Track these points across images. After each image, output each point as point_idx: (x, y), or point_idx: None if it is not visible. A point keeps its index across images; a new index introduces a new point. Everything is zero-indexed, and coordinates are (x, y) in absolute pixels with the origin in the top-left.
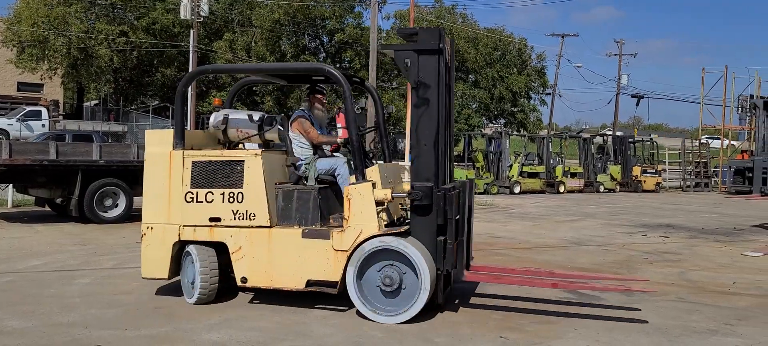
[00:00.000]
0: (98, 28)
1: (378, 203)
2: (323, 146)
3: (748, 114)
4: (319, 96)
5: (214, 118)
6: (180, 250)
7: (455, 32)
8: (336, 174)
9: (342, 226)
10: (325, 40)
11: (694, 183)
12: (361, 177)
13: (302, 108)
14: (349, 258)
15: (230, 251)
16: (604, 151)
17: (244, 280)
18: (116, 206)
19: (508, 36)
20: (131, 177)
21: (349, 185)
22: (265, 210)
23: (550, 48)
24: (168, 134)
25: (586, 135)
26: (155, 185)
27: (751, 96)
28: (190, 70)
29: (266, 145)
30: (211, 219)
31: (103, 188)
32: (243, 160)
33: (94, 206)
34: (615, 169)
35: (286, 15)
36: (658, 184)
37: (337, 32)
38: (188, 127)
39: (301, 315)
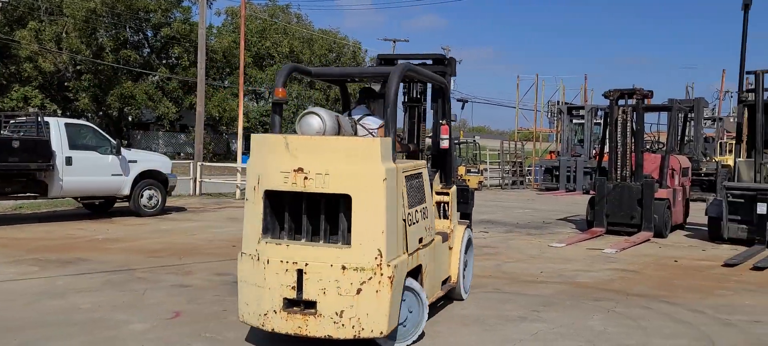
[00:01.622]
0: None
1: None
2: None
3: (556, 118)
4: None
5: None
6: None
7: (290, 32)
8: None
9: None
10: (149, 35)
11: (511, 181)
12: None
13: (368, 112)
14: None
15: (423, 271)
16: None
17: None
18: None
19: (343, 38)
20: None
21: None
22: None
23: (383, 52)
24: (372, 144)
25: None
26: (380, 211)
27: (558, 102)
28: None
29: None
30: (420, 240)
31: None
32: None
33: None
34: None
35: (104, 5)
36: (480, 182)
37: (164, 26)
38: None
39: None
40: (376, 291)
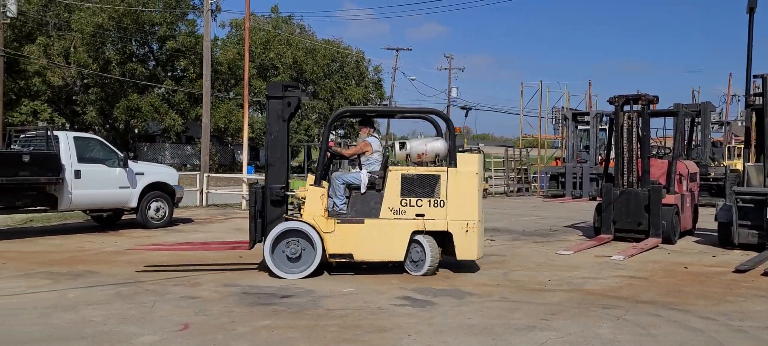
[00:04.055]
0: None
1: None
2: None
3: (561, 124)
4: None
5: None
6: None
7: (293, 43)
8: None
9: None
10: (154, 48)
11: (516, 189)
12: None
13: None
14: None
15: None
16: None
17: None
18: None
19: (346, 48)
20: None
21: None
22: None
23: (386, 61)
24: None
25: None
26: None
27: (563, 108)
28: None
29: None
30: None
31: None
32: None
33: None
34: None
35: (111, 19)
36: (485, 190)
37: (169, 39)
38: None
39: None
40: None
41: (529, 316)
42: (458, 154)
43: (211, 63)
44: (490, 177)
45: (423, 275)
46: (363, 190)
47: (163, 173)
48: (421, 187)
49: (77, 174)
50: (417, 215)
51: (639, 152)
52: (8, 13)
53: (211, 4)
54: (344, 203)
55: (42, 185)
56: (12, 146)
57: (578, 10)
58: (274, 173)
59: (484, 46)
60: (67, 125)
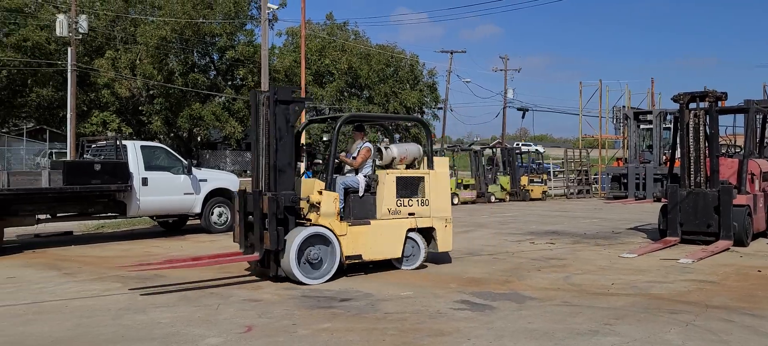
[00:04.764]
0: None
1: None
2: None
3: (622, 124)
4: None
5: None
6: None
7: (348, 49)
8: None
9: None
10: (215, 58)
11: (576, 190)
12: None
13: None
14: None
15: None
16: (494, 163)
17: None
18: None
19: (400, 52)
20: (1, 207)
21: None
22: None
23: (440, 64)
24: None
25: (477, 147)
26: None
27: (623, 107)
28: (68, 89)
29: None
30: None
31: None
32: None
33: None
34: (504, 180)
35: (174, 32)
36: (544, 192)
37: (229, 49)
38: (68, 152)
39: None
40: None
41: (592, 320)
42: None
43: (269, 71)
44: (550, 179)
45: (416, 268)
46: (361, 193)
47: (225, 179)
48: (411, 188)
49: (144, 182)
50: (409, 214)
51: (706, 151)
52: (80, 30)
53: (268, 13)
54: (342, 207)
55: (112, 192)
56: (84, 156)
57: (638, 6)
58: (286, 178)
59: (540, 46)
60: (134, 135)
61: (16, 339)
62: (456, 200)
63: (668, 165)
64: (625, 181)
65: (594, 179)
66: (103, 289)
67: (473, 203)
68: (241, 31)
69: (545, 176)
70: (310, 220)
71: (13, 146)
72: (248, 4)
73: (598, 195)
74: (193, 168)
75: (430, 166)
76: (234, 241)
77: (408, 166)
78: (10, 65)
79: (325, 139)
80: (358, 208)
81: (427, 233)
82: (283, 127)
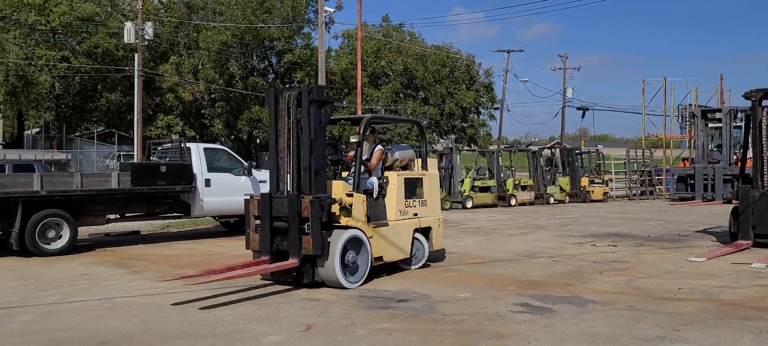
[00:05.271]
0: (38, 54)
1: None
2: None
3: (688, 123)
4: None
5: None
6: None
7: (404, 50)
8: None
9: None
10: (274, 62)
11: (639, 192)
12: None
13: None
14: None
15: None
16: (553, 164)
17: None
18: (59, 237)
19: (456, 53)
20: (75, 207)
21: None
22: None
23: (497, 63)
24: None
25: (535, 148)
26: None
27: (690, 105)
28: (135, 94)
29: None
30: None
31: (45, 219)
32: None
33: (36, 239)
34: (564, 181)
35: (234, 37)
36: (605, 193)
37: (287, 53)
38: (135, 154)
39: None
40: None
41: (658, 326)
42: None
43: (326, 73)
44: (611, 180)
45: (420, 268)
46: (375, 195)
47: None
48: (415, 189)
49: (207, 183)
50: (414, 215)
51: None
52: (146, 36)
53: (325, 17)
54: None
55: (177, 193)
56: (151, 158)
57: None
58: (321, 181)
59: (600, 44)
60: (197, 137)
61: (92, 333)
62: (513, 202)
63: (739, 165)
64: (692, 182)
65: (658, 180)
66: (168, 287)
67: (531, 204)
68: (299, 35)
69: (606, 177)
70: (340, 222)
71: (84, 149)
72: (306, 7)
73: (663, 196)
74: (253, 169)
75: (425, 167)
76: (247, 248)
77: (404, 168)
78: (82, 72)
79: (353, 139)
80: (373, 210)
81: (426, 233)
82: (318, 127)
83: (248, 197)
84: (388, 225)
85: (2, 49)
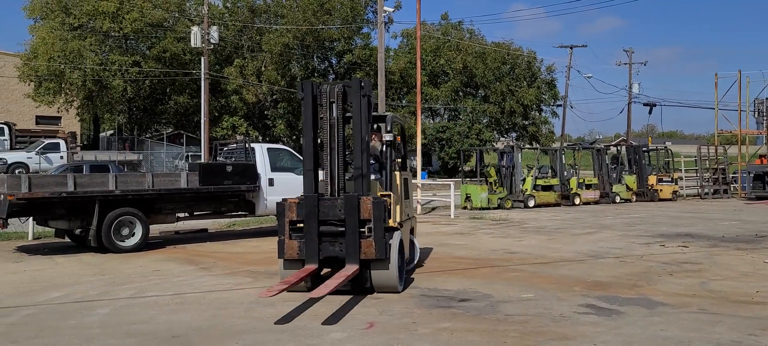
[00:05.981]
0: (112, 60)
1: None
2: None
3: (765, 117)
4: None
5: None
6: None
7: (463, 48)
8: None
9: None
10: (334, 62)
11: (712, 190)
12: None
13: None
14: None
15: None
16: (619, 161)
17: None
18: (133, 235)
19: (516, 49)
20: (147, 206)
21: None
22: None
23: (559, 59)
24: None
25: (599, 145)
26: None
27: (766, 99)
28: (202, 96)
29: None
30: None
31: (119, 217)
32: None
33: (112, 236)
34: (630, 179)
35: (295, 39)
36: (674, 192)
37: (346, 53)
38: (202, 155)
39: None
40: None
41: (734, 330)
42: None
43: (385, 73)
44: (681, 178)
45: (413, 267)
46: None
47: None
48: (408, 190)
49: (271, 182)
50: (408, 216)
51: None
52: (211, 40)
53: (384, 16)
54: None
55: (242, 192)
56: (217, 158)
57: None
58: (368, 181)
59: (669, 37)
60: (260, 138)
61: (164, 327)
62: (577, 201)
63: None
64: None
65: (733, 177)
66: (235, 283)
67: (596, 203)
68: (358, 35)
69: (676, 175)
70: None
71: (155, 150)
72: (365, 7)
73: (738, 195)
74: None
75: (404, 167)
76: (280, 257)
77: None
78: (152, 75)
79: (387, 138)
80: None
81: (413, 232)
82: (368, 123)
83: (281, 200)
84: (402, 226)
85: (80, 56)
